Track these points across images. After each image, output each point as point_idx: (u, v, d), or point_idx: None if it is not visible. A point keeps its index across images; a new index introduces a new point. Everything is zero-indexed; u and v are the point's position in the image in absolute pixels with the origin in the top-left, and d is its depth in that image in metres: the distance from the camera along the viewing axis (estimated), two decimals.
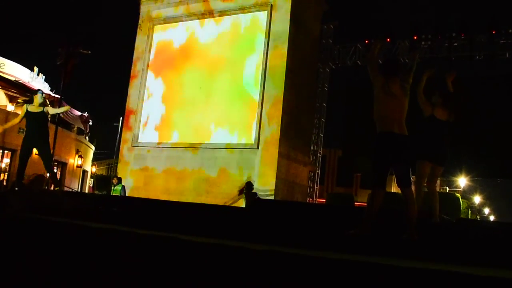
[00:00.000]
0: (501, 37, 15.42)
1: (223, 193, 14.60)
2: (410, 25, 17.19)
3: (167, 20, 17.53)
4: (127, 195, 14.09)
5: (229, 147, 15.18)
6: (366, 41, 17.56)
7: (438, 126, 6.17)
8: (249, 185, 13.43)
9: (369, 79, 5.04)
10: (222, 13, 16.37)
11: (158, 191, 15.58)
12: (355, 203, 19.35)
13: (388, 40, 16.72)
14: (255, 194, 13.01)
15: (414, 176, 5.15)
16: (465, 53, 15.96)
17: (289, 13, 15.21)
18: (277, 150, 14.51)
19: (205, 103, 15.93)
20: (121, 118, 22.79)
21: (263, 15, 15.62)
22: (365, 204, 10.48)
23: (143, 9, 18.15)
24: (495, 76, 16.46)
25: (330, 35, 18.36)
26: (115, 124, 28.94)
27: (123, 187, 14.02)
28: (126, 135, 17.55)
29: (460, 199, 15.07)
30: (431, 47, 16.16)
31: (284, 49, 15.05)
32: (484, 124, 15.58)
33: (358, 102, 17.40)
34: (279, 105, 14.75)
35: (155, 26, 17.77)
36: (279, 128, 14.62)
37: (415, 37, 15.67)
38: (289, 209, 7.92)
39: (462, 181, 32.43)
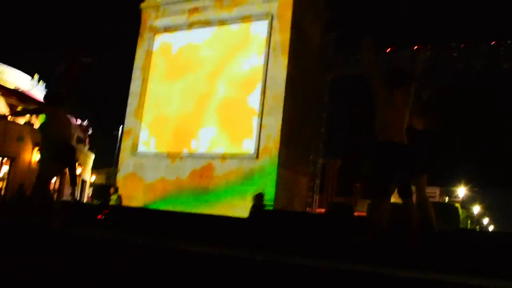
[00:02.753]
0: (501, 48, 15.45)
1: (222, 202, 14.54)
2: (411, 35, 17.24)
3: (167, 29, 17.58)
4: (122, 204, 14.04)
5: (229, 157, 15.16)
6: None
7: (415, 135, 6.18)
8: (259, 197, 11.49)
9: (371, 89, 4.97)
10: (223, 22, 16.42)
11: (157, 200, 15.55)
12: (355, 213, 19.26)
13: (388, 49, 16.73)
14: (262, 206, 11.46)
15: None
16: (464, 63, 15.98)
17: (290, 23, 15.26)
18: (277, 160, 14.48)
19: (205, 113, 15.94)
20: (120, 127, 22.75)
21: (263, 25, 15.67)
22: (365, 214, 10.42)
23: (144, 18, 18.21)
24: (494, 87, 16.48)
25: (332, 44, 18.34)
26: (114, 133, 28.85)
27: (119, 196, 14.02)
28: (125, 144, 17.53)
29: (460, 209, 15.06)
30: (430, 57, 16.18)
31: (285, 58, 15.08)
32: (484, 134, 15.61)
33: (359, 112, 17.41)
34: (280, 115, 14.74)
35: (156, 35, 17.81)
36: (279, 137, 14.61)
37: (415, 47, 15.68)
38: (288, 218, 7.90)
39: (461, 191, 32.45)
